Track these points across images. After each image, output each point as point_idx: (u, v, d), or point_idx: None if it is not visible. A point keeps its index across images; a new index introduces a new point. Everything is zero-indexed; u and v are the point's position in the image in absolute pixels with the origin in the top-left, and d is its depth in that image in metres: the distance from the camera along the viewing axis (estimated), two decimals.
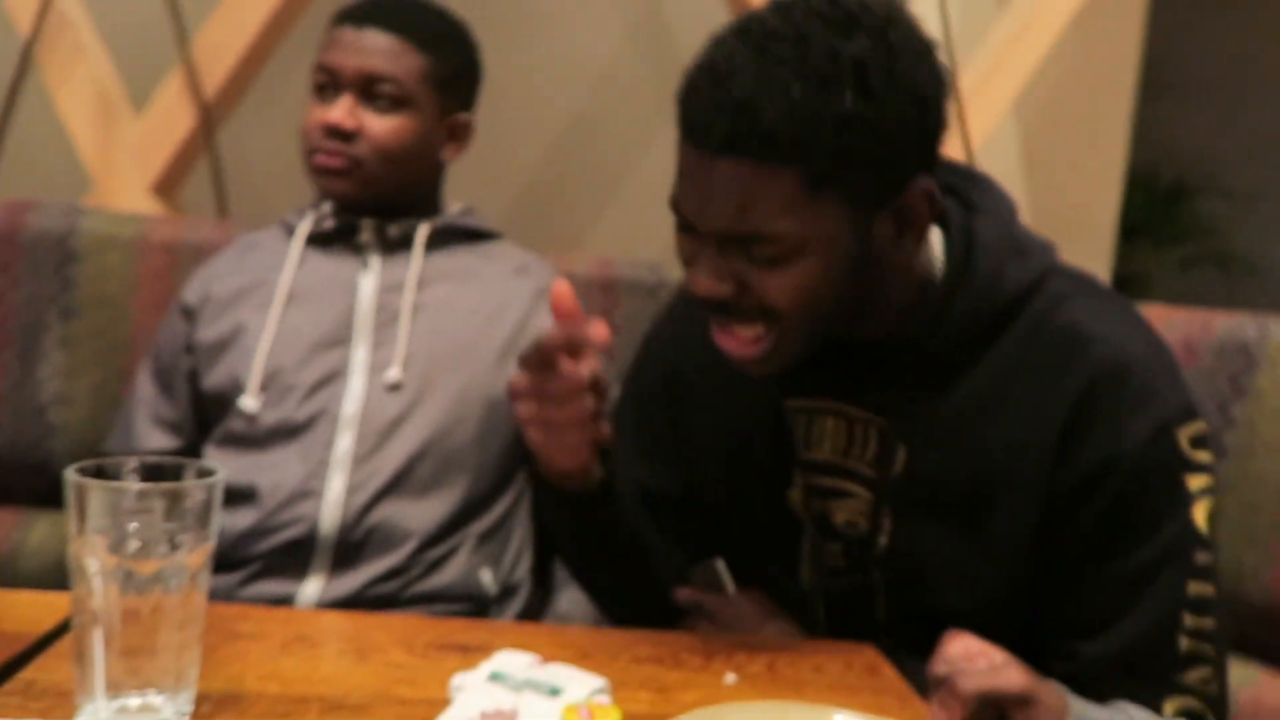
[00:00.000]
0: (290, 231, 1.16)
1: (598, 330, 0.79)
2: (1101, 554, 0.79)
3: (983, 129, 2.06)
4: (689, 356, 0.96)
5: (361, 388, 1.06)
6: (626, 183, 2.20)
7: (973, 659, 0.63)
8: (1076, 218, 2.59)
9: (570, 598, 1.18)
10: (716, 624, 0.92)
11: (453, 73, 1.14)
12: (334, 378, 1.07)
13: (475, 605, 1.07)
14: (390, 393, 1.06)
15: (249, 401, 1.06)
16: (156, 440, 1.13)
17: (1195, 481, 0.79)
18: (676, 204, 0.78)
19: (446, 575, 1.05)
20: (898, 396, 0.83)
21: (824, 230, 0.74)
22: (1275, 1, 4.63)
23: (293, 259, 1.12)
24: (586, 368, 0.79)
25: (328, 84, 1.10)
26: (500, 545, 1.12)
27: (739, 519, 0.95)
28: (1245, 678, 1.11)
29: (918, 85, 0.74)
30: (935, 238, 0.84)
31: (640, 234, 2.21)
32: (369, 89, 1.08)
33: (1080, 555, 0.80)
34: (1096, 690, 0.75)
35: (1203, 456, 0.79)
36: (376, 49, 1.08)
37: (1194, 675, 0.78)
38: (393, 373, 1.06)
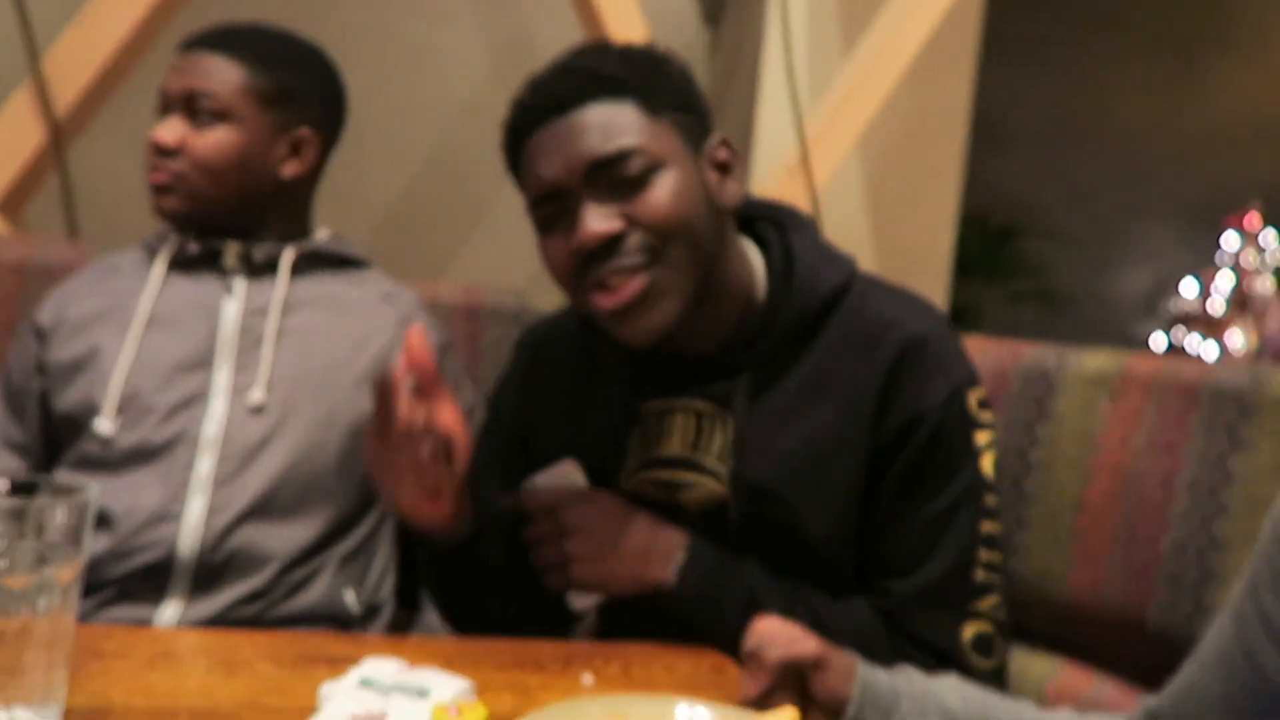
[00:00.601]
0: (152, 254, 1.16)
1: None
2: (908, 501, 0.92)
3: (827, 169, 2.20)
4: (540, 395, 1.05)
5: (223, 410, 1.07)
6: (491, 211, 2.24)
7: (775, 634, 0.74)
8: (916, 254, 2.79)
9: (435, 615, 1.21)
10: (567, 526, 0.94)
11: (282, 87, 1.15)
12: (195, 400, 1.07)
13: (339, 626, 1.09)
14: (253, 416, 1.07)
15: (104, 424, 1.04)
16: (3, 462, 1.10)
17: (982, 437, 0.93)
18: (539, 193, 0.88)
19: (310, 597, 1.06)
20: (739, 388, 0.94)
21: (670, 146, 0.88)
22: (1090, 63, 5.10)
23: (154, 282, 1.12)
24: (433, 417, 0.84)
25: (163, 107, 1.13)
26: (364, 566, 1.14)
27: None
28: (1049, 670, 1.23)
29: (685, 70, 0.94)
30: (756, 256, 0.97)
31: (505, 262, 2.26)
32: (192, 106, 1.11)
33: (891, 503, 0.92)
34: (908, 619, 0.89)
35: (986, 416, 0.94)
36: (198, 68, 1.12)
37: (987, 603, 0.92)
38: (256, 395, 1.07)
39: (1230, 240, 5.03)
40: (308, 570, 1.07)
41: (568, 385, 1.03)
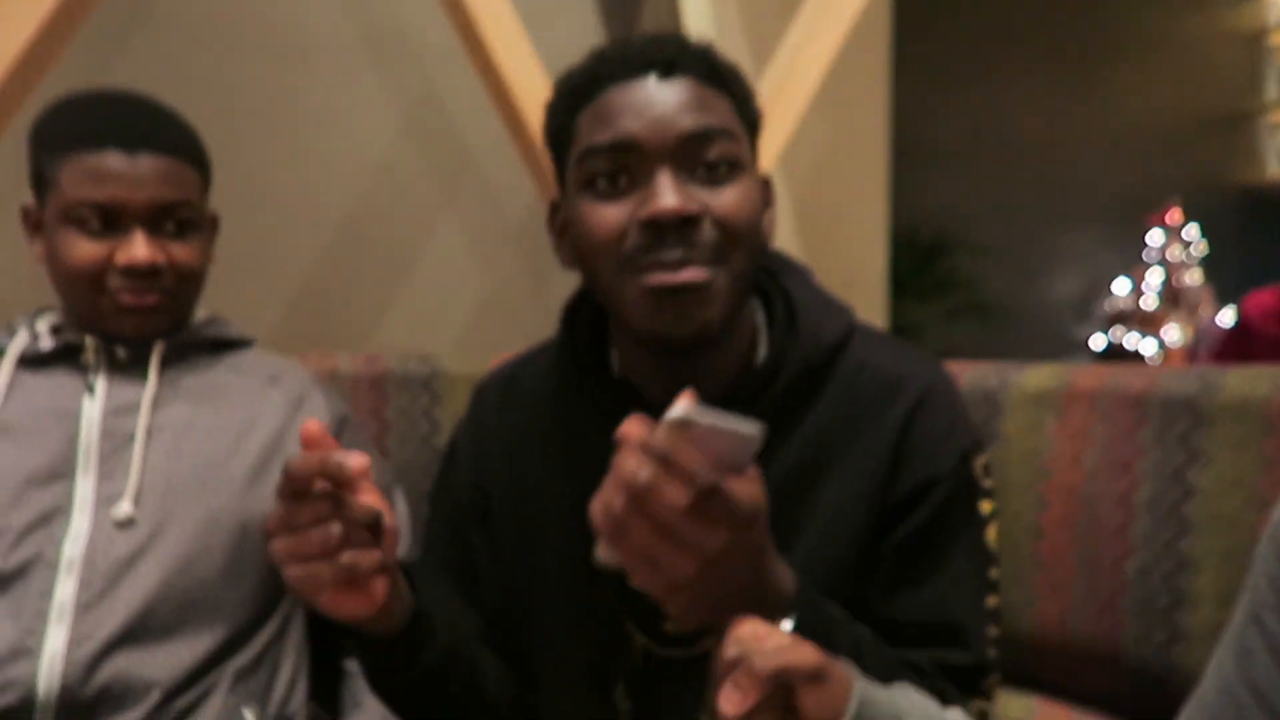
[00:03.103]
0: (0, 354, 1.04)
1: (356, 461, 0.69)
2: (912, 568, 0.83)
3: None
4: (505, 451, 0.92)
5: (85, 526, 0.95)
6: (409, 276, 2.15)
7: (763, 640, 0.62)
8: (850, 276, 2.75)
9: None
10: (695, 540, 0.63)
11: (208, 176, 1.08)
12: (52, 517, 0.95)
13: None
14: (120, 530, 0.95)
15: None
16: None
17: (986, 505, 0.86)
18: (609, 144, 0.77)
19: None
20: None
21: (750, 156, 0.81)
22: (995, 78, 5.20)
23: (0, 385, 1.00)
24: (353, 502, 0.70)
25: (97, 218, 0.98)
26: (266, 679, 1.02)
27: (557, 630, 0.89)
28: (1025, 711, 1.15)
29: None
30: (755, 305, 0.89)
31: (428, 327, 2.16)
32: (161, 218, 1.00)
33: (894, 568, 0.84)
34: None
35: (989, 484, 0.87)
36: (159, 175, 0.99)
37: (990, 681, 0.85)
38: (123, 508, 0.96)
39: (1155, 237, 5.13)
40: (196, 694, 0.95)
41: (540, 444, 0.91)
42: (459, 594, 0.93)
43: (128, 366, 1.04)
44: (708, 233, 0.77)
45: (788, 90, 2.09)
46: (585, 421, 0.88)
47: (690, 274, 0.76)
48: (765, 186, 0.86)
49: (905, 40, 2.96)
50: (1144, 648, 1.03)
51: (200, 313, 1.12)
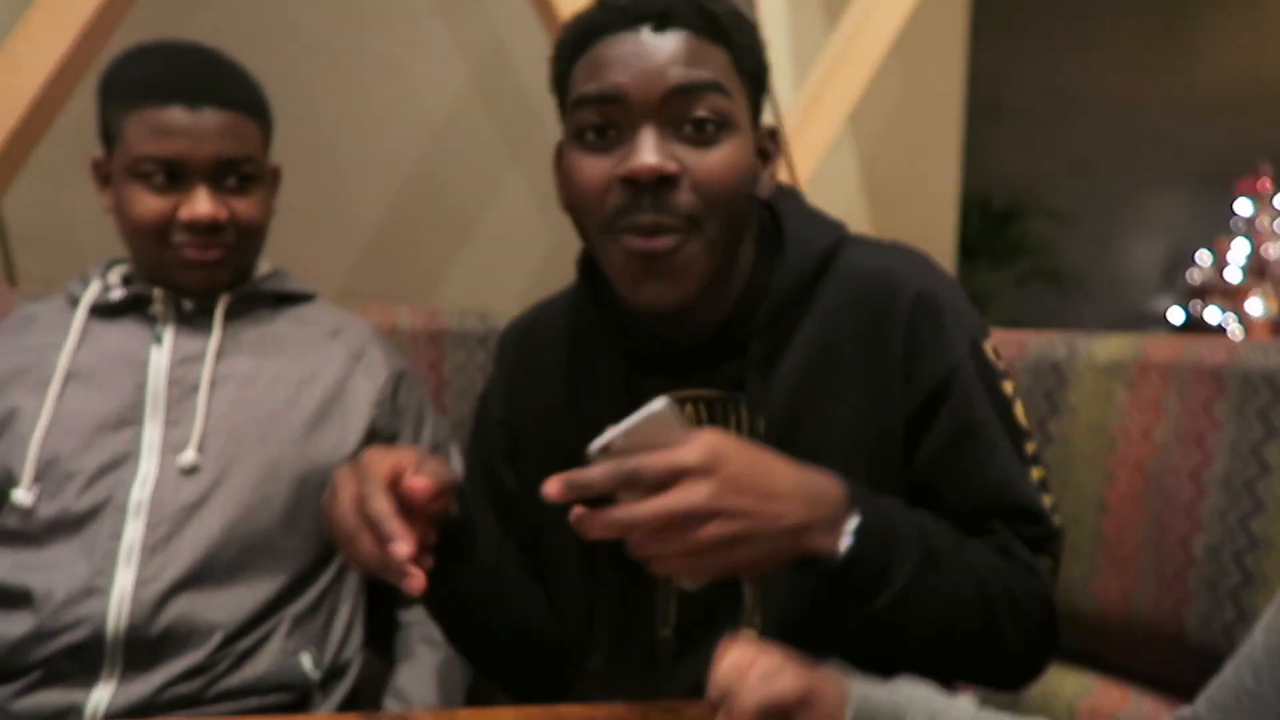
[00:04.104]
0: (74, 302, 1.07)
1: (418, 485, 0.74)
2: (958, 465, 0.83)
3: (815, 151, 2.10)
4: (529, 394, 0.95)
5: (153, 471, 0.98)
6: (474, 232, 2.16)
7: (745, 672, 0.61)
8: (918, 240, 2.68)
9: (410, 672, 1.11)
10: (695, 505, 0.67)
11: (270, 130, 1.09)
12: (121, 462, 0.98)
13: (295, 694, 0.99)
14: (185, 476, 0.98)
15: (22, 494, 0.95)
16: None
17: (1008, 386, 0.87)
18: (595, 95, 0.78)
19: (259, 666, 0.97)
20: (744, 369, 0.85)
21: (742, 112, 0.81)
22: (1079, 29, 4.99)
23: (74, 333, 1.03)
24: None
25: (161, 173, 1.00)
26: (323, 624, 1.04)
27: (589, 556, 0.90)
28: (1081, 688, 1.13)
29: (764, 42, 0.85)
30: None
31: (489, 284, 2.17)
32: (223, 173, 1.02)
33: (942, 474, 0.84)
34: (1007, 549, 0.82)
35: (1003, 365, 0.87)
36: (221, 130, 1.00)
37: (1058, 544, 0.86)
38: (188, 455, 0.98)
39: (1243, 206, 4.88)
40: (256, 637, 0.98)
41: (558, 380, 0.94)
42: (496, 533, 0.95)
43: (193, 318, 1.06)
44: (684, 196, 0.77)
45: (860, 43, 2.03)
46: (605, 357, 0.90)
47: (661, 242, 0.77)
48: (769, 138, 0.87)
49: None
50: (1209, 628, 1.00)
51: (263, 266, 1.14)
